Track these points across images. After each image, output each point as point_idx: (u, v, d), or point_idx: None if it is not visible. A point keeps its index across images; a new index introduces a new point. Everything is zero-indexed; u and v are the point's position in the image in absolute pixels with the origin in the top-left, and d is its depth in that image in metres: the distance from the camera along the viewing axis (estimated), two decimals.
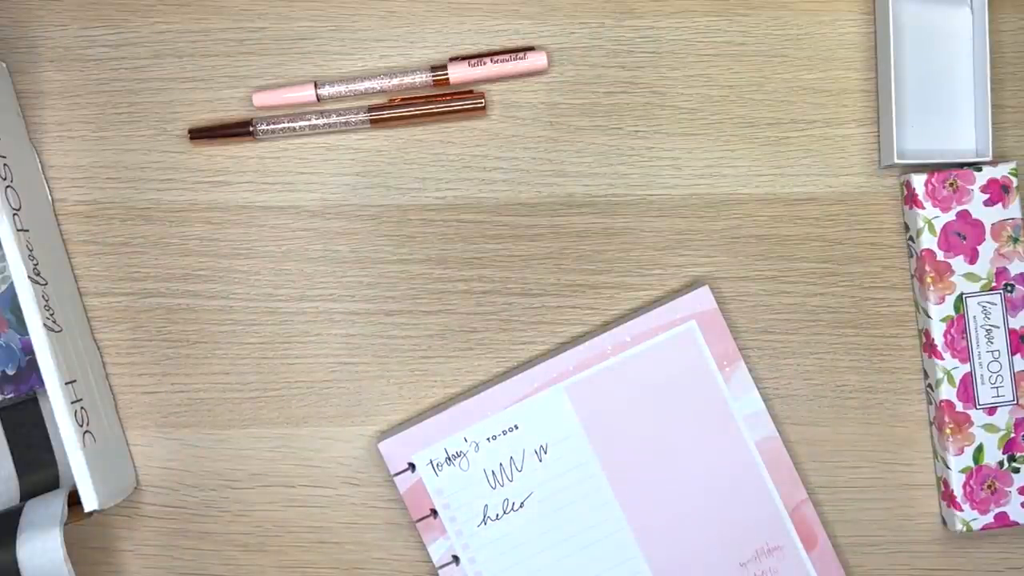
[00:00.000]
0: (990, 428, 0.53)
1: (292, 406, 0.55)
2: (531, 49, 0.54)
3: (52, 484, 0.53)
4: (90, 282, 0.55)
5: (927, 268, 0.53)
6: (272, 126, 0.54)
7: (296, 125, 0.54)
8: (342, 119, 0.54)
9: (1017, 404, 0.53)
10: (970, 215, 0.53)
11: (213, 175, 0.55)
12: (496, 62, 0.54)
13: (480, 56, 0.54)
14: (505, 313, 0.55)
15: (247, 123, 0.54)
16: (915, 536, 0.55)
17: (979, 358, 0.53)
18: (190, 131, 0.54)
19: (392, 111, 0.54)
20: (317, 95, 0.54)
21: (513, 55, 0.54)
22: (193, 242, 0.55)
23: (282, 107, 0.54)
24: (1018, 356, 0.53)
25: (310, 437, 0.55)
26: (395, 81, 0.54)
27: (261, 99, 0.54)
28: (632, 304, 0.55)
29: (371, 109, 0.54)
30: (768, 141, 0.55)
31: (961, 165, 0.54)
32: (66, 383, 0.49)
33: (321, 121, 0.54)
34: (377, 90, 0.54)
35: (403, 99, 0.54)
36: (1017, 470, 0.53)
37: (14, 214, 0.49)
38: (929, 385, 0.55)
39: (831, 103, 0.55)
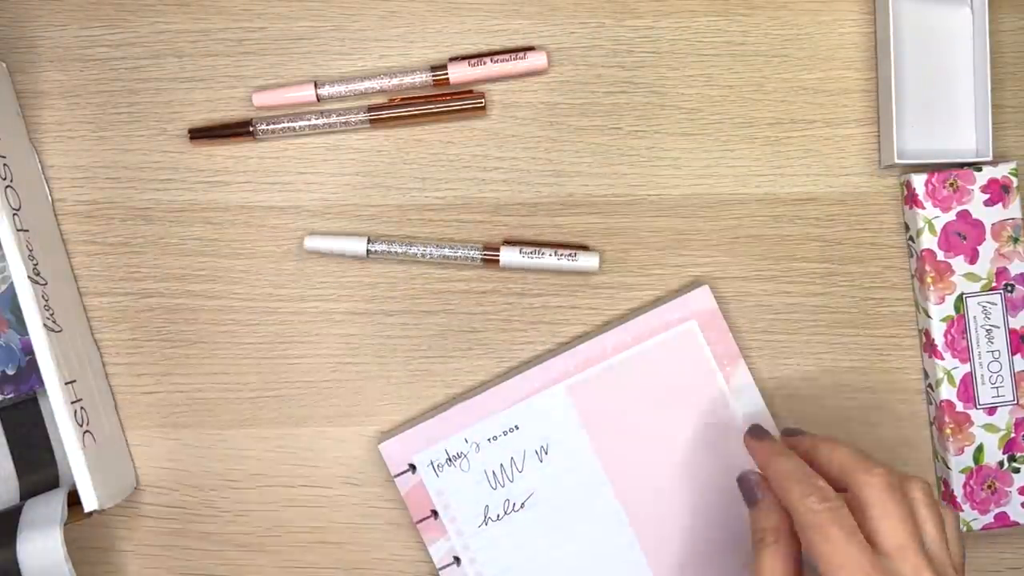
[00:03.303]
0: (990, 428, 0.53)
1: (292, 406, 0.55)
2: (531, 49, 0.54)
3: (52, 484, 0.53)
4: (90, 282, 0.55)
5: (927, 268, 0.53)
6: (272, 126, 0.54)
7: (296, 125, 0.54)
8: (342, 119, 0.54)
9: (1017, 404, 0.53)
10: (970, 215, 0.53)
11: (213, 175, 0.55)
12: (496, 62, 0.54)
13: (480, 56, 0.54)
14: (505, 313, 0.55)
15: (247, 123, 0.54)
16: None
17: (979, 358, 0.53)
18: (190, 131, 0.54)
19: (392, 111, 0.54)
20: (317, 95, 0.54)
21: (513, 55, 0.54)
22: (193, 242, 0.55)
23: (282, 107, 0.54)
24: (1018, 356, 0.53)
25: (310, 437, 0.55)
26: (395, 81, 0.54)
27: (261, 99, 0.54)
28: (632, 304, 0.55)
29: (371, 109, 0.54)
30: (768, 141, 0.55)
31: (961, 165, 0.54)
32: (66, 383, 0.49)
33: (321, 121, 0.54)
34: (377, 90, 0.54)
35: (403, 99, 0.54)
36: (1017, 470, 0.53)
37: (14, 214, 0.49)
38: (929, 385, 0.55)
39: (831, 103, 0.55)
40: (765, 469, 0.46)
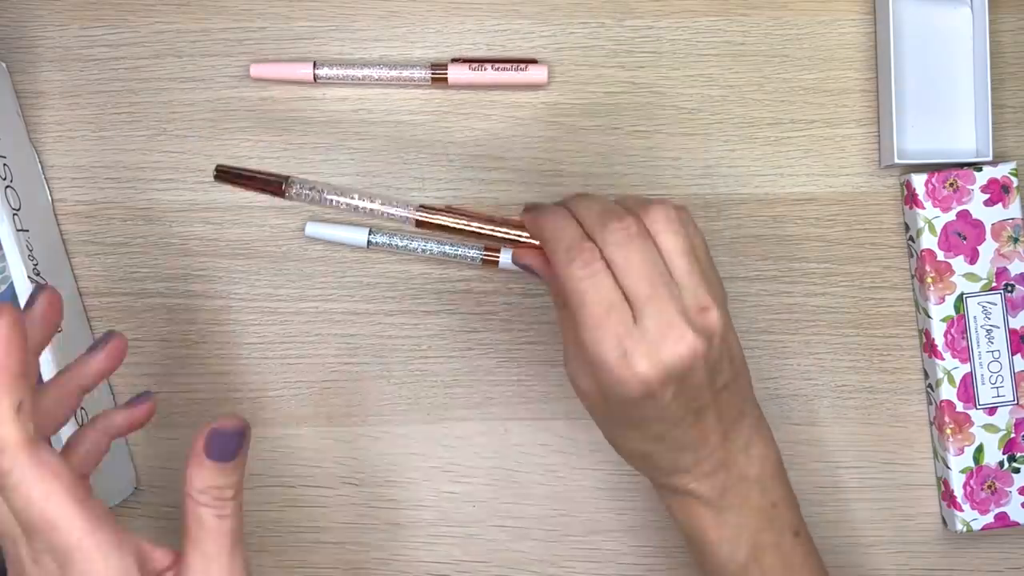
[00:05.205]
0: (990, 428, 0.53)
1: (292, 406, 0.55)
2: (534, 62, 0.54)
3: None
4: (90, 282, 0.55)
5: (927, 268, 0.53)
6: (306, 190, 0.46)
7: (332, 198, 0.47)
8: (387, 209, 0.47)
9: (1017, 404, 0.53)
10: (970, 215, 0.53)
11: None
12: (497, 70, 0.53)
13: (482, 61, 0.53)
14: (505, 313, 0.55)
15: (280, 181, 0.46)
16: (915, 536, 0.55)
17: (979, 358, 0.53)
18: (218, 168, 0.46)
19: (441, 216, 0.46)
20: (315, 75, 0.53)
21: (515, 65, 0.53)
22: (193, 242, 0.55)
23: (280, 81, 0.54)
24: (1018, 356, 0.53)
25: (310, 437, 0.55)
26: (393, 73, 0.54)
27: (259, 71, 0.53)
28: None
29: (421, 208, 0.46)
30: (768, 141, 0.55)
31: (961, 165, 0.54)
32: None
33: (366, 203, 0.47)
34: (375, 78, 0.54)
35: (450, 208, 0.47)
36: (1017, 470, 0.53)
37: (14, 214, 0.49)
38: (929, 385, 0.55)
39: (831, 103, 0.55)
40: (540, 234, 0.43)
